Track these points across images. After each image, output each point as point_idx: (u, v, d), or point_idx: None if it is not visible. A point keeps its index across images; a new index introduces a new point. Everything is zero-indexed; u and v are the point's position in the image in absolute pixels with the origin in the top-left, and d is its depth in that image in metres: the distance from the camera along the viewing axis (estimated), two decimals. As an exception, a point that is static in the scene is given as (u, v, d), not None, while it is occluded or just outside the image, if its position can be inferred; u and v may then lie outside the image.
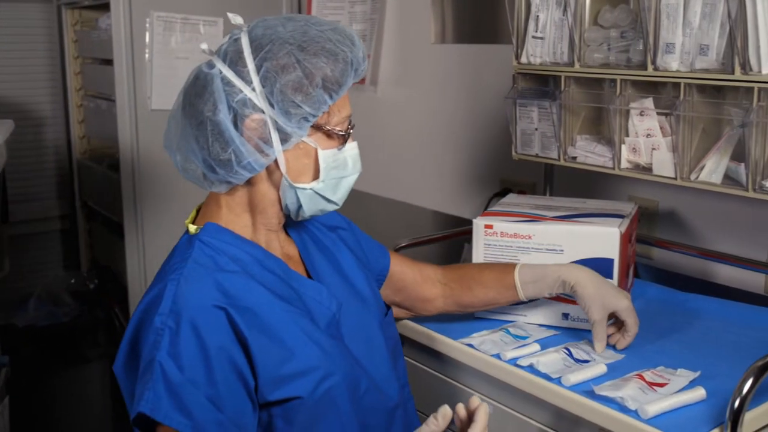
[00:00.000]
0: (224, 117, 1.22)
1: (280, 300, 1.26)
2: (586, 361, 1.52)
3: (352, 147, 1.32)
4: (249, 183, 1.29)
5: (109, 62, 2.99)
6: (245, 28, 1.27)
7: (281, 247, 1.38)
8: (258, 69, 1.22)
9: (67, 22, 3.59)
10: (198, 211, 1.38)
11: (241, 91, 1.22)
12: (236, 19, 1.28)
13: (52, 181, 3.89)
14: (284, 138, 1.24)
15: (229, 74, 1.23)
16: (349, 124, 1.31)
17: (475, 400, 1.23)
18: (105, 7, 2.98)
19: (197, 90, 1.25)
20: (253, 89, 1.22)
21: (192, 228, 1.31)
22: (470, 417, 1.22)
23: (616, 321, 1.58)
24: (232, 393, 1.18)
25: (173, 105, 1.32)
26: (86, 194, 3.66)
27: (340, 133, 1.29)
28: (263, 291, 1.25)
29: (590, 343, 1.58)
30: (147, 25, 2.85)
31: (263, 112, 1.23)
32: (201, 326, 1.17)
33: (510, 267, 1.64)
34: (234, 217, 1.32)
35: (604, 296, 1.54)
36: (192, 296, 1.19)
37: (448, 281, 1.67)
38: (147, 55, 2.85)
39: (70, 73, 3.62)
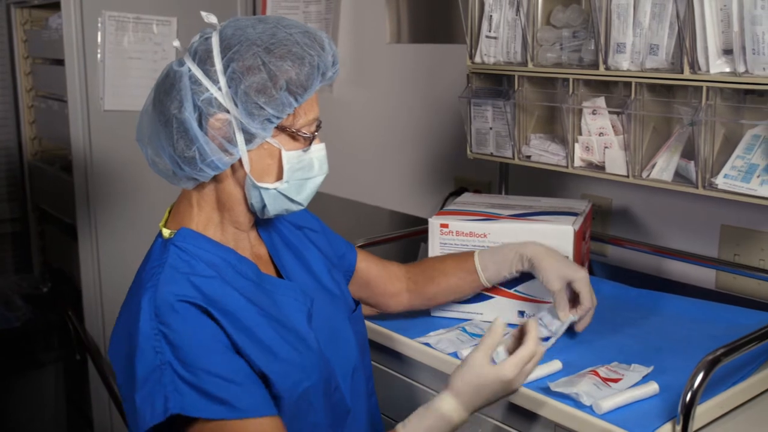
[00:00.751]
0: (189, 115, 1.22)
1: (255, 305, 1.27)
2: (547, 338, 1.55)
3: (319, 149, 1.32)
4: (216, 180, 1.29)
5: (60, 62, 2.93)
6: (218, 27, 1.26)
7: (251, 246, 1.38)
8: (225, 69, 1.22)
9: (17, 21, 3.51)
10: (170, 212, 1.37)
11: (208, 90, 1.22)
12: (209, 18, 1.27)
13: (3, 183, 3.80)
14: (248, 138, 1.24)
15: (198, 73, 1.23)
16: (317, 127, 1.31)
17: (524, 320, 1.32)
18: (55, 6, 2.92)
19: (166, 87, 1.26)
20: (219, 89, 1.22)
21: (166, 232, 1.31)
22: (521, 333, 1.29)
23: (573, 296, 1.60)
24: (240, 366, 1.19)
25: (146, 100, 1.31)
26: (38, 196, 3.60)
27: (305, 135, 1.29)
28: (239, 296, 1.26)
29: (549, 332, 1.59)
30: (99, 24, 2.80)
31: (228, 112, 1.23)
32: (188, 320, 1.18)
33: (470, 253, 1.67)
34: (204, 217, 1.32)
35: (560, 267, 1.58)
36: (171, 297, 1.19)
37: (412, 275, 1.70)
38: (99, 55, 2.80)
39: (20, 73, 3.55)
